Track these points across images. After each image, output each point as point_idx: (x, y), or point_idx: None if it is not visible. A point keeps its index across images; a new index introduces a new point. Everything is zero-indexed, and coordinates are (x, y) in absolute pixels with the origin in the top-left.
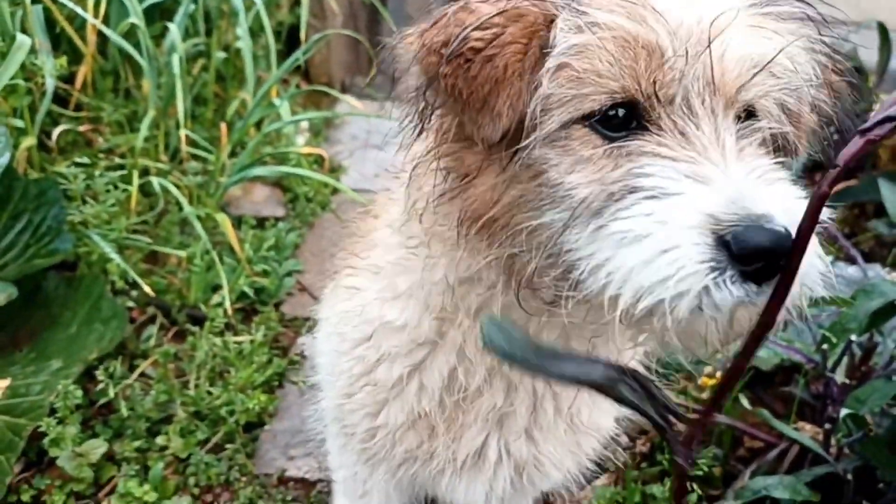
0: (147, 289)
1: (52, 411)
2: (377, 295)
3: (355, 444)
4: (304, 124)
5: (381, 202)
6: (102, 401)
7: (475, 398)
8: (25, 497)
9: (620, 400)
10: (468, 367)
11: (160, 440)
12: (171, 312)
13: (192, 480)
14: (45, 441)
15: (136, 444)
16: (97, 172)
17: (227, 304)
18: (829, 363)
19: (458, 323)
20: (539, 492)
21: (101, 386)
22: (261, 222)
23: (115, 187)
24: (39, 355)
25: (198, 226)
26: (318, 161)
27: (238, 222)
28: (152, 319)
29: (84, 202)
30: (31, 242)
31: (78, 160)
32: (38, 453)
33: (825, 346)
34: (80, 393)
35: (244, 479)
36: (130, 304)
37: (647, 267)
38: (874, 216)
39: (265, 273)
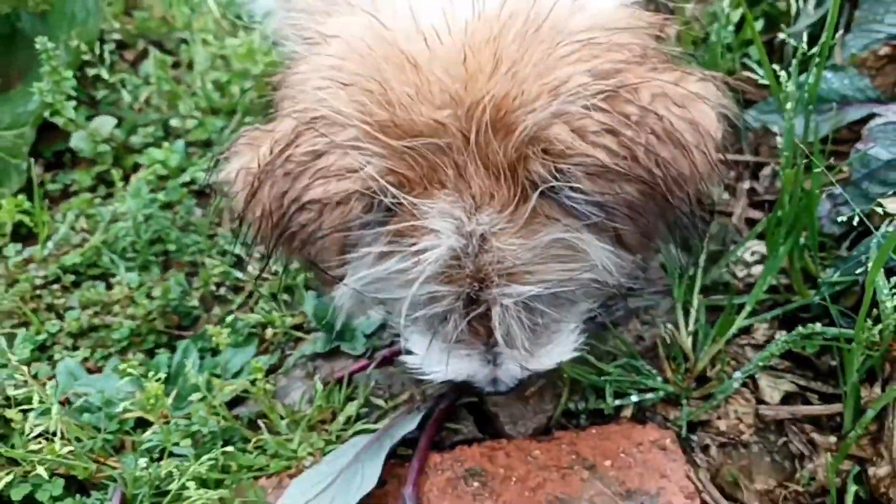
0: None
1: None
2: None
3: None
4: None
5: None
6: (103, 94)
7: None
8: (53, 187)
9: None
10: None
11: (175, 123)
12: (163, 44)
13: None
14: (48, 114)
15: (150, 130)
16: None
17: (216, 12)
18: None
19: None
20: None
21: (94, 71)
22: None
23: None
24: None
25: None
26: None
27: None
28: (145, 55)
29: None
30: None
31: None
32: (55, 154)
33: None
34: (70, 73)
35: None
36: (117, 36)
37: None
38: None
39: None
